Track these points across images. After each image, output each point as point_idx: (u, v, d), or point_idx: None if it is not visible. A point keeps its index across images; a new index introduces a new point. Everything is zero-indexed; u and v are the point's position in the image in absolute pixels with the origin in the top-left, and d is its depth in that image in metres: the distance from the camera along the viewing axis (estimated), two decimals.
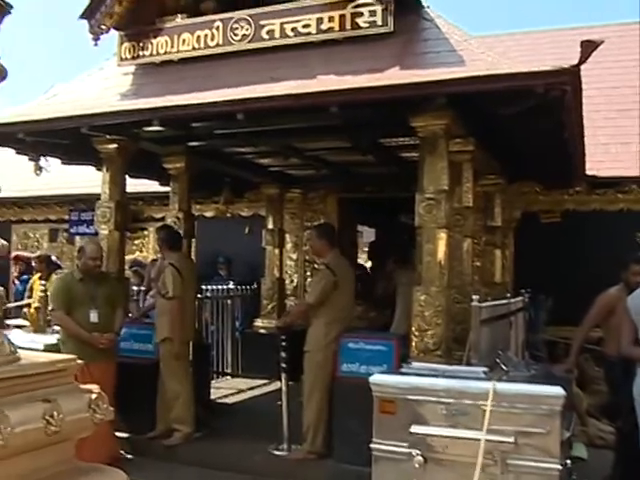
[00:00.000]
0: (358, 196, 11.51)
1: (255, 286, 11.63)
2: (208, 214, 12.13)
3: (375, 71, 5.63)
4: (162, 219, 13.19)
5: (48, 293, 7.72)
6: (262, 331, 10.93)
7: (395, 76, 5.49)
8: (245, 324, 11.30)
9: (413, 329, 5.75)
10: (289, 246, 11.93)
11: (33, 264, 10.26)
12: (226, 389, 9.67)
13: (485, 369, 4.84)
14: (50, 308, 6.06)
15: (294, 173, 10.80)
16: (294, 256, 12.03)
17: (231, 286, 11.25)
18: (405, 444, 4.61)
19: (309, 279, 11.82)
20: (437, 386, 4.62)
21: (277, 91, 5.62)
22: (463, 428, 4.47)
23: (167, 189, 9.88)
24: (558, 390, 4.37)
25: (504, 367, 5.03)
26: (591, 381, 8.10)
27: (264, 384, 9.98)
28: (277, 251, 11.27)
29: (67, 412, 2.69)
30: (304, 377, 6.48)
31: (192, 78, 6.62)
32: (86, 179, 12.31)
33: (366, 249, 14.06)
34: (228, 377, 10.61)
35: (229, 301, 11.13)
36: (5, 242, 11.16)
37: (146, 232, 14.57)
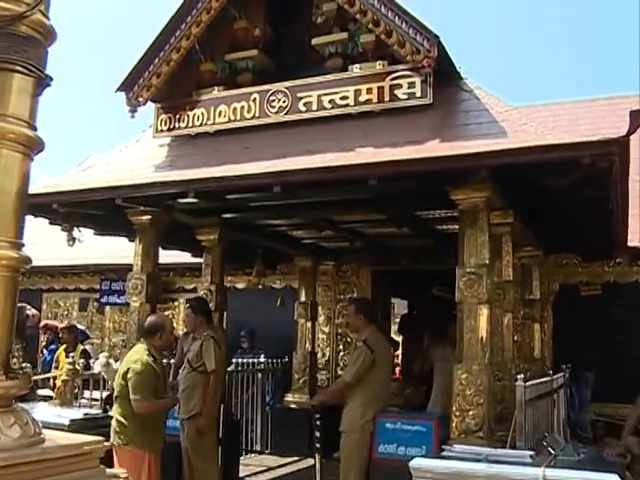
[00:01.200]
0: (392, 268, 11.39)
1: (286, 359, 11.42)
2: (240, 285, 12.04)
3: (414, 143, 5.56)
4: (193, 290, 13.16)
5: (77, 365, 7.58)
6: (293, 406, 10.68)
7: (436, 148, 5.41)
8: (275, 399, 11.03)
9: (454, 409, 5.50)
10: (321, 319, 11.76)
11: (60, 334, 10.17)
12: (255, 466, 9.37)
13: (532, 453, 4.58)
14: (135, 397, 5.71)
15: (327, 245, 10.71)
16: (326, 329, 11.85)
17: (262, 359, 11.05)
18: None
19: (341, 353, 11.62)
20: (481, 472, 4.35)
21: (314, 163, 5.55)
22: None
23: (199, 260, 9.85)
24: (614, 478, 4.08)
25: (552, 451, 4.75)
26: (635, 460, 7.70)
27: (294, 462, 9.68)
28: (309, 324, 11.08)
29: None
30: (341, 458, 6.21)
31: (228, 150, 6.62)
32: (117, 249, 12.34)
33: (397, 321, 13.88)
34: (256, 454, 10.28)
35: (259, 375, 10.90)
36: (36, 311, 11.16)
37: (176, 303, 14.52)
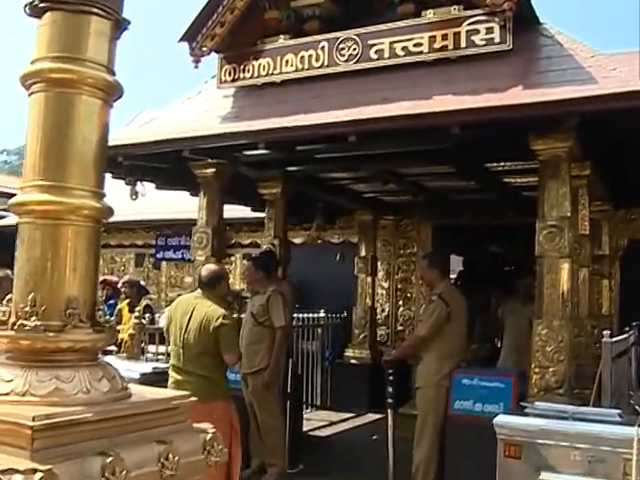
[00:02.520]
0: (452, 223, 11.17)
1: (345, 315, 11.36)
2: (298, 240, 11.94)
3: (496, 91, 5.30)
4: (250, 245, 13.16)
5: (143, 320, 7.62)
6: (353, 361, 10.66)
7: (518, 96, 5.15)
8: (335, 354, 11.00)
9: (532, 366, 5.34)
10: (381, 274, 11.65)
11: (122, 289, 10.23)
12: (317, 421, 9.38)
13: (619, 412, 4.41)
14: (234, 350, 5.59)
15: (388, 199, 10.54)
16: (386, 285, 11.74)
17: (321, 314, 11.01)
18: None
19: (401, 309, 11.52)
20: (570, 430, 4.21)
21: (391, 112, 5.34)
22: (601, 477, 4.04)
23: (255, 215, 9.79)
24: None
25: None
26: None
27: (356, 416, 9.68)
28: (369, 279, 11.00)
29: (182, 454, 2.50)
30: (418, 414, 6.12)
31: (296, 100, 6.43)
32: (173, 205, 12.36)
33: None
34: (316, 409, 10.29)
35: (319, 330, 10.87)
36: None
37: (233, 258, 14.54)
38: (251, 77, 7.00)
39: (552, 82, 5.28)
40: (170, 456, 2.43)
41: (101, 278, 11.72)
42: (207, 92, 7.48)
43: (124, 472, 2.22)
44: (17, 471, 1.99)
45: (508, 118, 5.15)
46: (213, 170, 7.17)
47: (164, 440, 2.47)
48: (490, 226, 11.04)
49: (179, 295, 9.13)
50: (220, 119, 6.69)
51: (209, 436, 2.68)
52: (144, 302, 9.79)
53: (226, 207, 9.50)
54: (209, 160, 7.03)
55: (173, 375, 5.43)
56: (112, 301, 10.82)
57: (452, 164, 7.15)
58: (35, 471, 1.99)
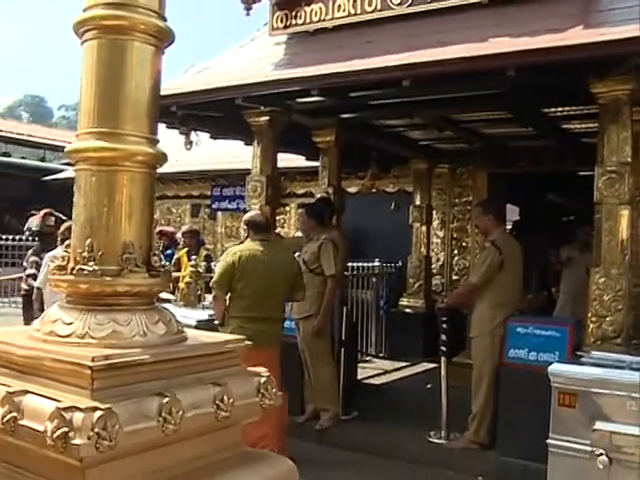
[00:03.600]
0: (509, 171, 10.96)
1: (400, 264, 11.34)
2: (352, 189, 11.90)
3: (555, 31, 5.10)
4: (304, 195, 13.17)
5: (199, 268, 7.73)
6: (408, 310, 10.66)
7: (579, 36, 4.95)
8: (390, 303, 11.02)
9: (589, 315, 5.25)
10: (436, 223, 11.57)
11: (182, 239, 10.36)
12: (371, 369, 9.46)
13: None
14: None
15: (444, 147, 10.40)
16: (441, 234, 11.66)
17: (376, 263, 11.02)
18: (587, 441, 4.22)
19: (456, 258, 11.44)
20: (627, 380, 4.15)
21: (448, 55, 5.21)
22: None
23: (309, 164, 9.76)
24: None
25: None
26: None
27: (410, 365, 9.72)
28: (424, 228, 10.94)
29: (237, 396, 2.54)
30: (473, 363, 6.11)
31: (349, 45, 6.35)
32: (228, 155, 12.40)
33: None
34: (370, 357, 10.36)
35: (373, 279, 10.89)
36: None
37: (287, 208, 14.58)
38: (303, 23, 6.93)
39: (614, 21, 5.04)
40: (225, 398, 2.48)
41: (158, 229, 11.95)
42: (259, 40, 7.45)
43: (180, 412, 2.28)
44: (78, 409, 2.06)
45: (567, 59, 4.95)
46: (267, 118, 7.15)
47: (219, 382, 2.51)
48: (548, 174, 10.82)
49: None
50: (272, 66, 6.64)
51: (263, 379, 2.73)
52: (204, 252, 9.91)
53: (280, 156, 9.52)
54: (262, 108, 7.01)
55: (251, 327, 5.25)
56: (169, 251, 11.00)
57: (508, 109, 7.00)
58: (95, 409, 2.06)
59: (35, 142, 27.71)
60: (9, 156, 25.94)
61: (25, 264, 7.90)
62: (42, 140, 26.55)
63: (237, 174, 12.38)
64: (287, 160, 11.08)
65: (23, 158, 26.19)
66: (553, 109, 7.21)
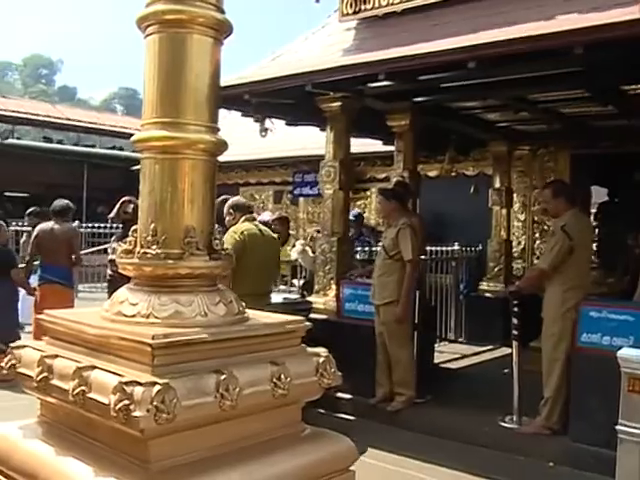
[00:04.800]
0: (592, 152, 10.66)
1: (480, 248, 11.23)
2: (431, 173, 11.84)
3: (623, 5, 4.95)
4: (385, 180, 13.14)
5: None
6: (488, 295, 10.56)
7: None
8: (470, 287, 10.93)
9: None
10: (516, 206, 11.40)
11: (272, 225, 10.49)
12: (449, 354, 9.42)
13: None
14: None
15: (523, 128, 10.20)
16: (522, 217, 11.48)
17: (455, 247, 10.95)
18: None
19: (537, 241, 11.25)
20: None
21: (512, 34, 5.13)
22: None
23: (390, 149, 9.74)
24: None
25: None
26: None
27: (489, 350, 9.63)
28: (504, 211, 10.78)
29: (294, 375, 2.63)
30: (543, 347, 6.03)
31: (417, 28, 6.34)
32: (309, 141, 12.48)
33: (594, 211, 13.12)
34: (449, 342, 10.31)
35: (453, 263, 10.83)
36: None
37: (368, 193, 14.60)
38: (372, 8, 6.95)
39: None
40: (282, 377, 2.57)
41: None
42: (330, 27, 7.51)
43: (237, 389, 2.39)
44: (139, 383, 2.20)
45: (637, 34, 4.81)
46: (339, 104, 7.19)
47: (276, 361, 2.61)
48: (634, 154, 10.46)
49: (318, 231, 9.37)
50: (342, 52, 6.71)
51: (322, 359, 2.80)
52: (293, 239, 10.05)
53: (359, 141, 9.56)
54: (333, 94, 7.06)
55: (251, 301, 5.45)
56: None
57: (585, 87, 6.81)
58: (154, 384, 2.19)
59: (129, 133, 28.54)
60: (105, 148, 26.88)
61: (109, 250, 8.20)
62: (136, 131, 27.30)
63: (318, 160, 12.51)
64: (367, 145, 11.12)
65: (120, 149, 27.10)
66: (634, 86, 6.97)
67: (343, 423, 6.24)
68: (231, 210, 6.12)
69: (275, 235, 6.41)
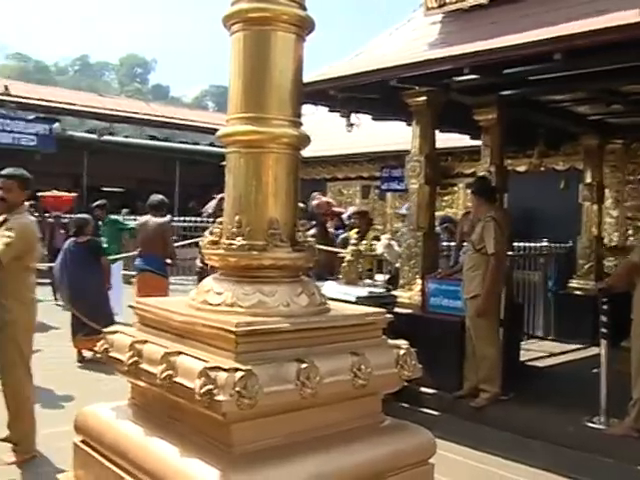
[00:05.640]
0: None
1: (570, 244, 10.96)
2: (520, 168, 11.64)
3: None
4: (472, 175, 12.99)
5: (361, 248, 7.88)
6: (578, 292, 10.28)
7: None
8: (559, 284, 10.68)
9: None
10: (609, 202, 11.07)
11: (351, 219, 10.54)
12: (536, 352, 9.23)
13: None
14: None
15: (615, 121, 9.86)
16: (614, 213, 11.16)
17: (544, 244, 10.73)
18: None
19: (631, 238, 10.90)
20: None
21: (602, 24, 4.99)
22: None
23: (477, 143, 9.62)
24: None
25: None
26: None
27: (578, 349, 9.40)
28: (595, 207, 10.45)
29: (374, 366, 2.67)
30: (632, 347, 5.84)
31: (504, 20, 6.24)
32: (396, 136, 12.45)
33: None
34: (537, 339, 10.10)
35: (541, 259, 10.61)
36: (325, 198, 11.73)
37: (455, 188, 14.48)
38: (457, 1, 6.88)
39: None
40: (362, 367, 2.61)
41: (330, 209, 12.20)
42: (415, 21, 7.48)
43: (317, 378, 2.45)
44: (222, 369, 2.29)
45: None
46: (424, 98, 7.16)
47: (357, 352, 2.65)
48: None
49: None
50: (427, 46, 6.66)
51: (403, 351, 2.82)
52: (372, 233, 10.06)
53: (447, 136, 9.49)
54: (420, 88, 7.03)
55: None
56: (340, 231, 11.23)
57: None
58: (237, 370, 2.28)
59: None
60: (197, 144, 27.48)
61: (200, 244, 8.39)
62: None
63: (405, 155, 12.48)
64: (454, 139, 11.01)
65: (211, 145, 27.65)
66: None
67: (426, 418, 6.22)
68: None
69: None
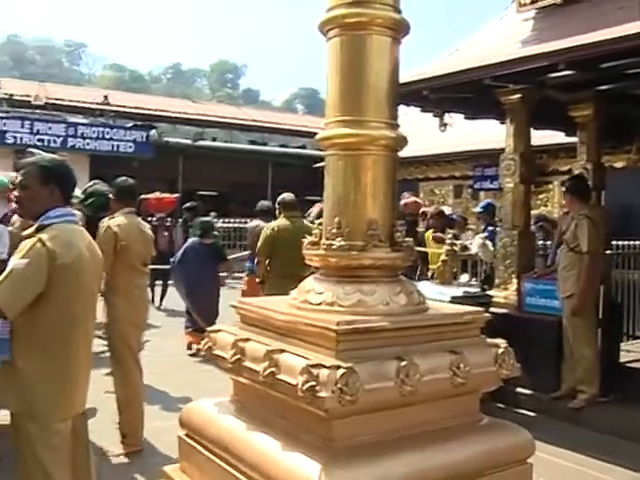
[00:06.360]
0: None
1: None
2: (618, 165, 11.29)
3: None
4: (568, 172, 12.70)
5: (455, 247, 7.85)
6: None
7: None
8: None
9: None
10: None
11: (429, 219, 10.50)
12: (637, 353, 8.93)
13: None
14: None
15: None
16: None
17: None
18: None
19: None
20: None
21: None
22: None
23: (573, 140, 9.41)
24: None
25: None
26: None
27: None
28: None
29: (473, 365, 2.67)
30: None
31: (598, 14, 6.10)
32: (488, 134, 12.32)
33: None
34: (637, 340, 9.77)
35: None
36: (414, 198, 11.72)
37: (550, 186, 14.19)
38: None
39: None
40: (461, 366, 2.62)
41: (421, 210, 12.19)
42: (507, 19, 7.39)
43: (417, 376, 2.48)
44: (324, 366, 2.35)
45: None
46: (518, 96, 7.06)
47: (456, 350, 2.67)
48: None
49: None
50: (521, 44, 6.58)
51: (501, 350, 2.82)
52: (449, 233, 9.99)
53: (541, 133, 9.31)
54: (514, 86, 6.95)
55: (281, 281, 6.48)
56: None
57: None
58: (338, 367, 2.33)
59: (310, 132, 29.34)
60: (286, 147, 27.83)
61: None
62: (316, 130, 27.87)
63: (498, 153, 12.33)
64: (549, 136, 10.79)
65: (302, 147, 27.96)
66: None
67: (523, 418, 6.16)
68: (278, 206, 7.55)
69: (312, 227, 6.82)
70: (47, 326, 2.76)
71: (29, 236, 2.83)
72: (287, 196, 7.50)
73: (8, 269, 2.70)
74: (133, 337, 5.44)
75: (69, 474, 2.86)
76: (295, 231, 6.82)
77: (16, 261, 2.71)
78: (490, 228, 8.97)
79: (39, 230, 2.82)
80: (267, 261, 7.24)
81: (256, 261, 7.38)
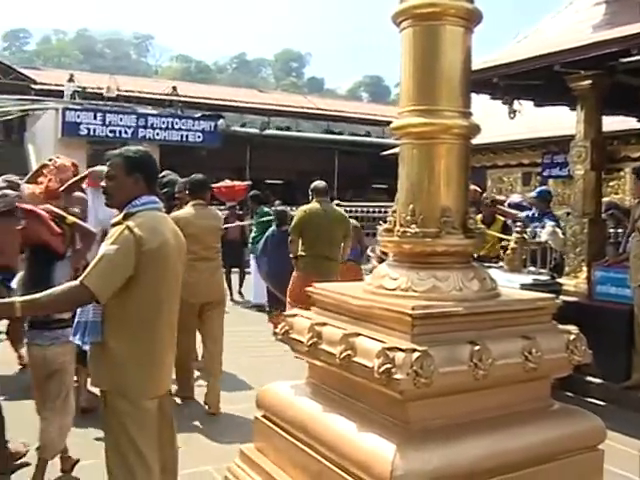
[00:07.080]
0: None
1: None
2: None
3: None
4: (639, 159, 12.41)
5: (525, 235, 7.77)
6: None
7: None
8: None
9: None
10: None
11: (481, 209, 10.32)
12: None
13: None
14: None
15: None
16: None
17: None
18: None
19: None
20: None
21: None
22: None
23: None
24: None
25: None
26: None
27: None
28: None
29: (545, 350, 2.71)
30: None
31: None
32: (558, 121, 12.10)
33: None
34: None
35: None
36: (474, 187, 11.59)
37: (622, 173, 13.87)
38: None
39: None
40: (533, 351, 2.67)
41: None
42: (577, 3, 7.25)
43: (490, 360, 2.53)
44: (400, 349, 2.43)
45: None
46: (589, 82, 6.94)
47: (528, 336, 2.71)
48: None
49: (567, 214, 9.11)
50: (592, 29, 6.46)
51: (573, 336, 2.85)
52: (500, 221, 9.84)
53: (611, 119, 9.12)
54: (584, 72, 6.84)
55: (312, 261, 7.41)
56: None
57: None
58: (414, 350, 2.41)
59: (375, 120, 29.25)
60: (352, 135, 27.84)
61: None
62: (381, 118, 27.86)
63: (568, 140, 12.11)
64: (620, 122, 10.56)
65: (367, 135, 27.89)
66: None
67: (592, 408, 6.04)
68: (310, 192, 7.83)
69: (341, 212, 8.04)
70: (136, 309, 2.89)
71: (117, 223, 2.97)
72: (319, 183, 7.92)
73: (99, 255, 2.83)
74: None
75: (156, 452, 2.99)
76: (324, 214, 7.52)
77: (106, 247, 2.85)
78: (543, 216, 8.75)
79: (126, 218, 2.95)
80: (299, 240, 7.68)
81: (290, 239, 7.76)
